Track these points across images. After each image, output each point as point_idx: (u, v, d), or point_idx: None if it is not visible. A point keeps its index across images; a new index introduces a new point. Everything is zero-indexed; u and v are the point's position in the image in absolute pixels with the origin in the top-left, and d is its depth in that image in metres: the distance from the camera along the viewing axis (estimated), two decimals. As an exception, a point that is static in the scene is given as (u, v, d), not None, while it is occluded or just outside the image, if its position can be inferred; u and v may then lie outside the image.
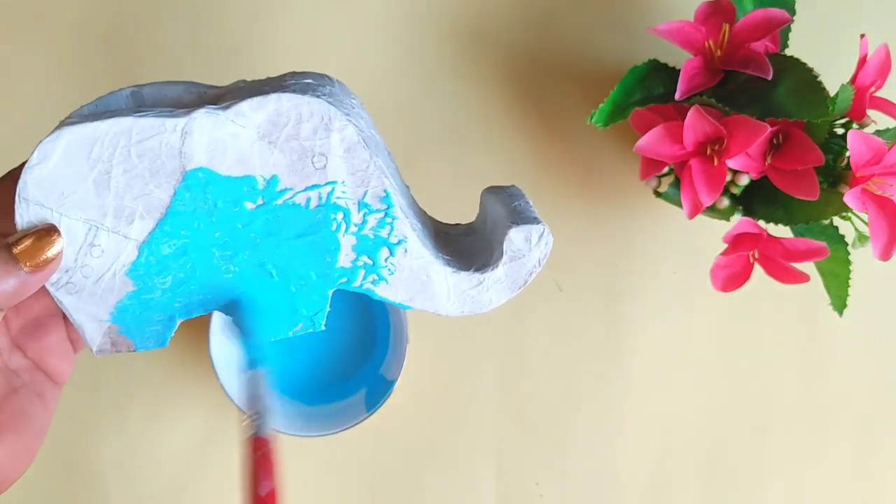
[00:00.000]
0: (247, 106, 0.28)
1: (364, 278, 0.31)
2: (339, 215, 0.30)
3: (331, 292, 0.31)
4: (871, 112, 0.43)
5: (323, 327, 0.32)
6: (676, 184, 0.45)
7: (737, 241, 0.43)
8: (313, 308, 0.31)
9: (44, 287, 0.29)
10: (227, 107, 0.28)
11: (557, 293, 0.52)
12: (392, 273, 0.31)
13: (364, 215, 0.30)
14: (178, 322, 0.31)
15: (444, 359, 0.52)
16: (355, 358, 0.51)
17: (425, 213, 0.34)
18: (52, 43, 0.51)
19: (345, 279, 0.31)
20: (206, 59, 0.51)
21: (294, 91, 0.28)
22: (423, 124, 0.52)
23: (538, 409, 0.52)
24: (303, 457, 0.51)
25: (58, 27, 0.51)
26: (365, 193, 0.30)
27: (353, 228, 0.30)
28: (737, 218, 0.45)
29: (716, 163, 0.42)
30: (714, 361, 0.52)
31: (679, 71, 0.44)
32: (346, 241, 0.30)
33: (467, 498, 0.52)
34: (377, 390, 0.48)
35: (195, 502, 0.51)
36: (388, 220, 0.30)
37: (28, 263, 0.27)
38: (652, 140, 0.43)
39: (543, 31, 0.52)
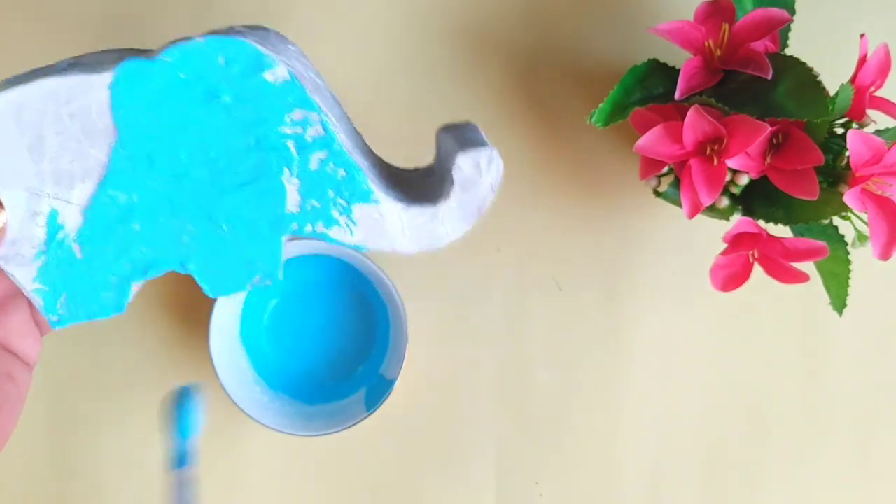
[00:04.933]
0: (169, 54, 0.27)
1: (315, 222, 0.30)
2: (280, 157, 0.29)
3: (284, 239, 0.30)
4: (870, 112, 0.43)
5: (280, 277, 0.31)
6: (676, 183, 0.45)
7: (736, 241, 0.43)
8: (268, 258, 0.30)
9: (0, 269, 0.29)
10: (152, 57, 0.27)
11: (557, 293, 0.52)
12: (342, 214, 0.30)
13: (305, 155, 0.29)
14: (134, 286, 0.30)
15: (444, 359, 0.52)
16: (355, 357, 0.51)
17: (381, 158, 0.33)
18: (51, 35, 0.51)
19: (295, 225, 0.30)
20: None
21: (217, 34, 0.27)
22: (422, 124, 0.52)
23: (538, 409, 0.52)
24: (303, 457, 0.51)
25: (58, 20, 0.51)
26: (304, 132, 0.29)
27: (295, 171, 0.29)
28: (736, 218, 0.45)
29: (715, 162, 0.42)
30: (714, 361, 0.52)
31: (679, 71, 0.44)
32: (292, 185, 0.29)
33: (467, 498, 0.52)
34: (377, 390, 0.48)
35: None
36: (332, 158, 0.29)
37: None
38: (652, 140, 0.43)
39: (543, 31, 0.52)
